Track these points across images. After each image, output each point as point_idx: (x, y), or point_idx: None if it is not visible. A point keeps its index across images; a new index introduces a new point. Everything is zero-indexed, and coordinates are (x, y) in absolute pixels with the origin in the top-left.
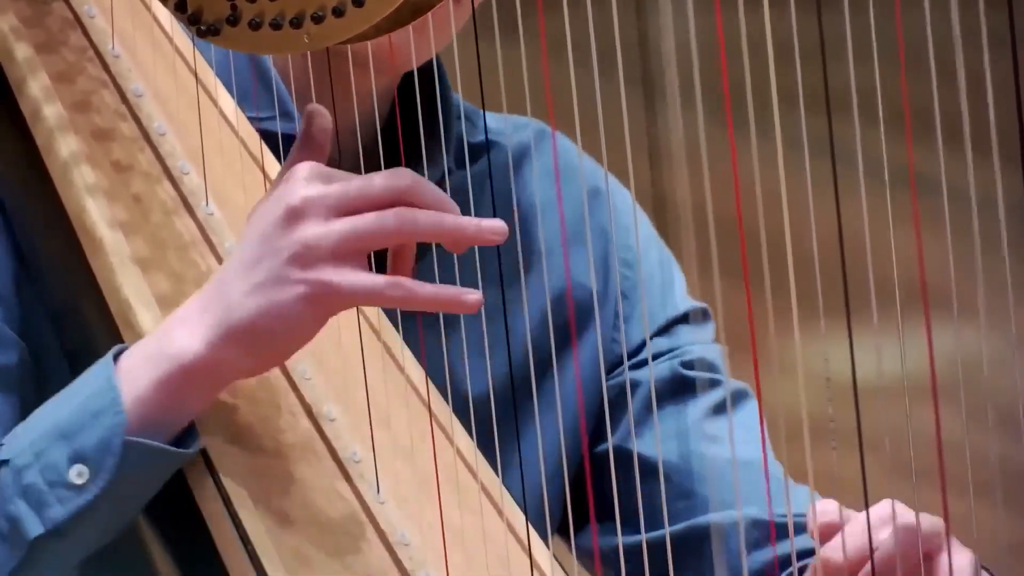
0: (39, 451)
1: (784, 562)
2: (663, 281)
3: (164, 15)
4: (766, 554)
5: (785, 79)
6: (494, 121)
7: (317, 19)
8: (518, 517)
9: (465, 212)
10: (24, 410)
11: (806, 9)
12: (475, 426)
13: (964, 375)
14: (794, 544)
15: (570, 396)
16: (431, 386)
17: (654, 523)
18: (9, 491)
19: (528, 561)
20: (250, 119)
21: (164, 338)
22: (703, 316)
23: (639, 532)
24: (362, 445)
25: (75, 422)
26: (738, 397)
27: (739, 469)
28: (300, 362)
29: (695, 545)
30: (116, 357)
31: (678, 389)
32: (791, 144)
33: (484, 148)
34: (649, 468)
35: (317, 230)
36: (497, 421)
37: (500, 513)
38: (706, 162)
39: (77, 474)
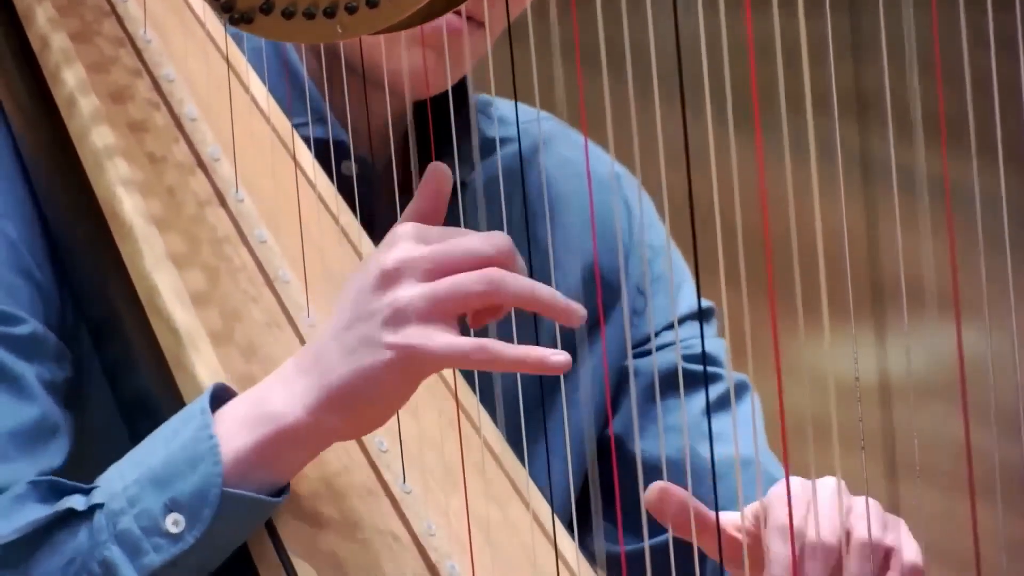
0: (133, 497)
1: None
2: (676, 278)
3: (196, 1)
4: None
5: (816, 86)
6: (507, 110)
7: (351, 9)
8: (543, 508)
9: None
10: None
11: (837, 14)
12: (504, 417)
13: (980, 377)
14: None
15: (595, 387)
16: (458, 376)
17: (652, 523)
18: (104, 535)
19: (553, 552)
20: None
21: (264, 399)
22: (709, 314)
23: (640, 531)
24: (389, 435)
25: (171, 469)
26: (738, 390)
27: (736, 468)
28: None
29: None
30: (211, 399)
31: (680, 382)
32: (821, 149)
33: (499, 141)
34: (649, 465)
35: (408, 293)
36: (526, 412)
37: (526, 504)
38: (736, 167)
39: (173, 522)
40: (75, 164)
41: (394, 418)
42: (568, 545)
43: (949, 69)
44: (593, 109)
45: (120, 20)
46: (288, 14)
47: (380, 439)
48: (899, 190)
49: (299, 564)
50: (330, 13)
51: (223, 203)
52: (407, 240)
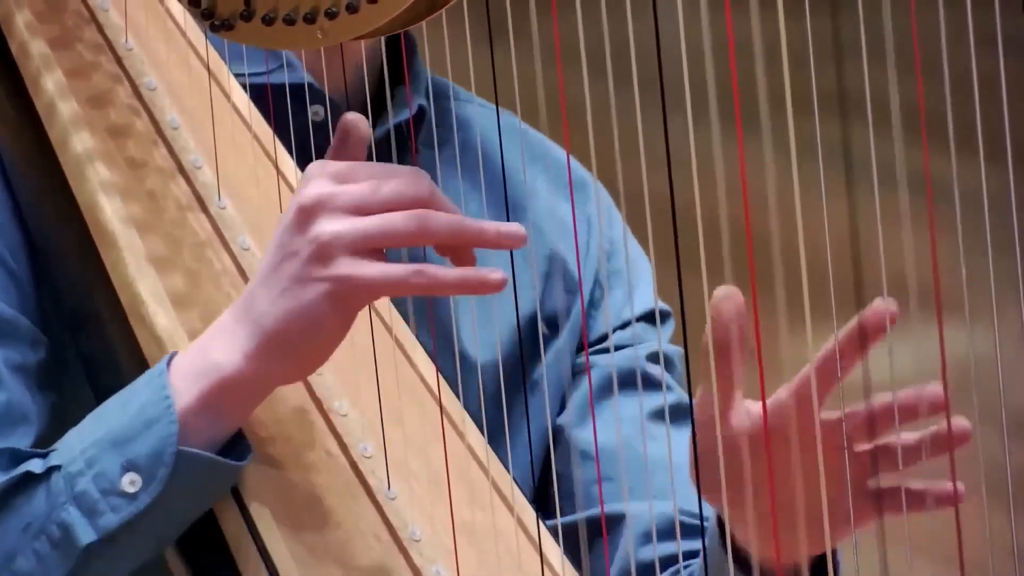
0: (91, 458)
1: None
2: (635, 276)
3: (177, 8)
4: (670, 547)
5: (797, 85)
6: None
7: (331, 15)
8: (529, 513)
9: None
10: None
11: (818, 13)
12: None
13: (963, 375)
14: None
15: (555, 380)
16: (443, 382)
17: (584, 505)
18: (62, 497)
19: (539, 557)
20: (256, 75)
21: (203, 351)
22: (666, 317)
23: (573, 513)
24: (373, 441)
25: (128, 430)
26: (684, 410)
27: (668, 471)
28: None
29: (610, 528)
30: (170, 364)
31: (634, 381)
32: (802, 149)
33: (460, 123)
34: (592, 453)
35: (332, 226)
36: (490, 397)
37: (511, 509)
38: (717, 167)
39: (129, 482)
40: (59, 172)
41: (378, 424)
42: (554, 550)
43: (929, 67)
44: (574, 110)
45: (100, 28)
46: (268, 20)
47: (364, 444)
48: (880, 188)
49: (282, 569)
50: (310, 19)
51: (205, 210)
52: (320, 176)
